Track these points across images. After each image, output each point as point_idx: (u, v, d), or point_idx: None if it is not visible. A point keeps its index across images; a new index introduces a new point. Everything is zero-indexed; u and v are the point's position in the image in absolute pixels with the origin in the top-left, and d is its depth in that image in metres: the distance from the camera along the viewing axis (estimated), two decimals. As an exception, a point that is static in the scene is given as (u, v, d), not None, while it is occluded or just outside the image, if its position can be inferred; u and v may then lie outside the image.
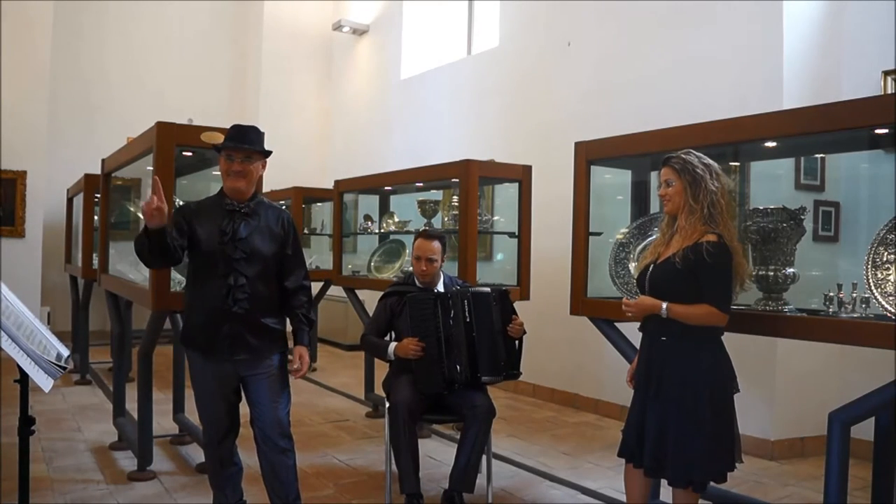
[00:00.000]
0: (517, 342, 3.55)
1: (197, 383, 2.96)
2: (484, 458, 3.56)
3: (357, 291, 5.78)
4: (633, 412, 2.75)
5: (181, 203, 3.83)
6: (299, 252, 3.06)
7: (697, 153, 2.64)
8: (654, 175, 3.50)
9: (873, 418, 2.60)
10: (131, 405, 4.32)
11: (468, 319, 3.49)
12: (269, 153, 2.98)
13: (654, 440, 2.60)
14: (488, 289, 3.63)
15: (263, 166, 3.00)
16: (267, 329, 2.92)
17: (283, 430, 2.93)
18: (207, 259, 2.86)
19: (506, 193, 5.21)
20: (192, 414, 4.58)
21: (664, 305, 2.55)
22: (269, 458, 2.93)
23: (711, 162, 2.62)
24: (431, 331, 3.47)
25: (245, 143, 2.89)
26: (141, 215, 2.79)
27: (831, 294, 2.72)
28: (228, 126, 3.02)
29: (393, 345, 3.58)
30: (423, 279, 3.70)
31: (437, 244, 3.68)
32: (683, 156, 2.62)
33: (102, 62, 9.14)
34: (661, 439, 2.58)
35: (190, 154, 3.87)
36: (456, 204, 4.78)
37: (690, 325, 2.54)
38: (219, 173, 2.97)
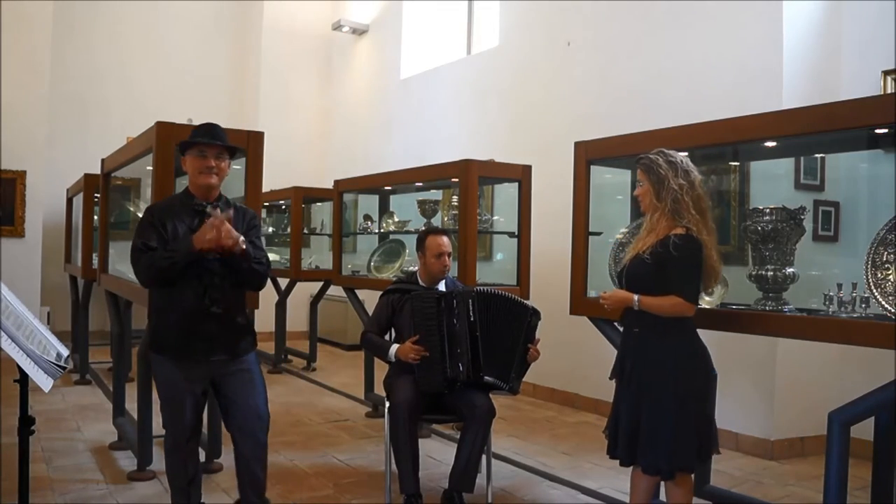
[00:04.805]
0: (527, 365, 3.56)
1: (167, 387, 2.89)
2: (484, 457, 3.56)
3: (357, 291, 5.78)
4: (613, 406, 2.83)
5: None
6: (261, 246, 3.01)
7: (668, 151, 2.70)
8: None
9: (873, 418, 2.60)
10: (131, 405, 4.32)
11: (472, 318, 3.49)
12: (237, 150, 2.98)
13: (627, 429, 2.69)
14: (529, 303, 3.62)
15: (229, 165, 2.98)
16: (240, 328, 2.95)
17: (262, 423, 2.94)
18: None
19: (506, 193, 5.21)
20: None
21: (636, 298, 2.65)
22: (245, 454, 2.92)
23: (679, 159, 2.68)
24: (434, 329, 3.45)
25: (217, 139, 2.87)
26: (195, 242, 2.72)
27: (831, 294, 2.73)
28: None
29: (394, 347, 3.56)
30: (445, 274, 3.73)
31: (448, 239, 3.75)
32: (651, 156, 2.71)
33: (102, 62, 9.13)
34: (634, 428, 2.67)
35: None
36: (456, 204, 4.78)
37: (661, 317, 2.63)
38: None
